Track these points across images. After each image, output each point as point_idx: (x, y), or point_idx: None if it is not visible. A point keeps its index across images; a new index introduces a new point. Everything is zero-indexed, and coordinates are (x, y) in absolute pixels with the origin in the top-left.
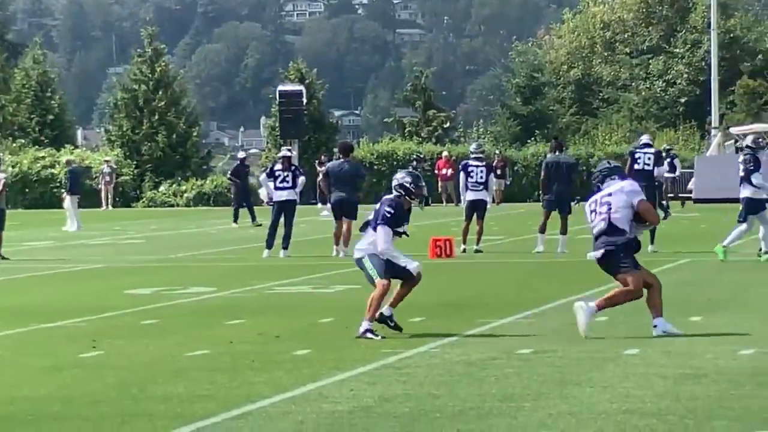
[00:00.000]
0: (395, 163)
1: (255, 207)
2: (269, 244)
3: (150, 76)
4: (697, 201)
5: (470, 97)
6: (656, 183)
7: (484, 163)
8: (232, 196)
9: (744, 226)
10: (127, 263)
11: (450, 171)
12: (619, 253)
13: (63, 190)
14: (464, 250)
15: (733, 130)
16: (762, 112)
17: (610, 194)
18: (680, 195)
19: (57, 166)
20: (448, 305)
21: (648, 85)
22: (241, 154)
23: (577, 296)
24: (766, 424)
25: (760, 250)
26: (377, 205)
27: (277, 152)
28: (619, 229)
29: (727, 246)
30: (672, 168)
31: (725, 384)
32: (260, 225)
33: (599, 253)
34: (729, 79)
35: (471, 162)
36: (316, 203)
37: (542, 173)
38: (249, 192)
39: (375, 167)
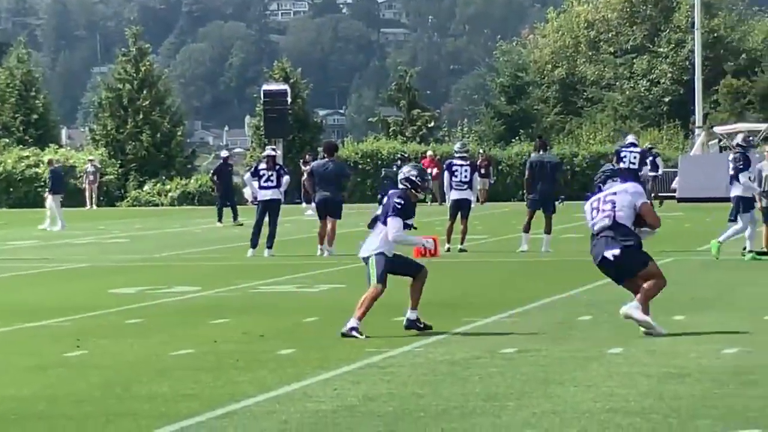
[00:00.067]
0: (380, 162)
1: (240, 206)
2: (253, 244)
3: (134, 75)
4: (681, 200)
5: (455, 96)
6: (642, 182)
7: (468, 163)
8: (217, 195)
9: (739, 225)
10: (112, 262)
11: (434, 170)
12: (639, 248)
13: (46, 190)
14: (448, 250)
15: (717, 129)
16: (745, 112)
17: (614, 193)
18: (659, 194)
19: (41, 165)
20: (432, 304)
21: (632, 85)
22: (224, 153)
23: (561, 295)
24: (749, 423)
25: (744, 248)
26: (384, 200)
27: (261, 151)
28: (623, 226)
29: (722, 243)
30: (654, 167)
31: (709, 383)
32: (242, 224)
33: (617, 250)
34: (713, 79)
35: (455, 161)
36: (300, 202)
37: (526, 172)
38: (233, 191)
39: (359, 167)
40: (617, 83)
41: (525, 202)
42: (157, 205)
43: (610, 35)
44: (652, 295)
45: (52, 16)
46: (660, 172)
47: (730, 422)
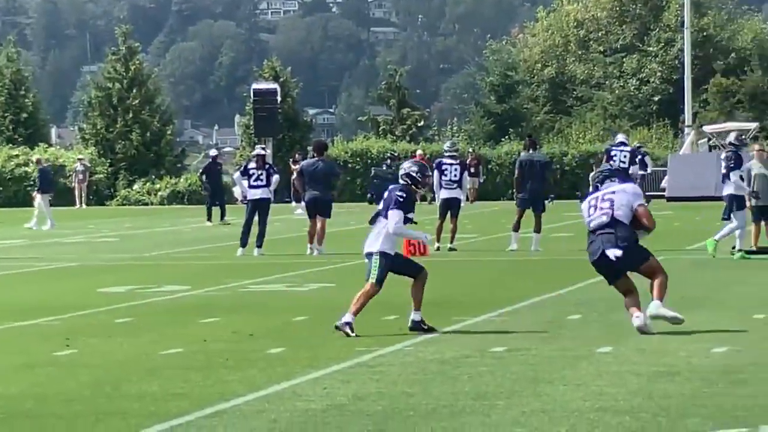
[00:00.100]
0: (369, 161)
1: (229, 205)
2: (243, 243)
3: (124, 74)
4: (670, 199)
5: (444, 95)
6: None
7: (458, 162)
8: (206, 194)
9: (735, 223)
10: (101, 261)
11: None
12: (638, 245)
13: (35, 189)
14: (438, 249)
15: (706, 128)
16: (735, 111)
17: (613, 192)
18: (647, 193)
19: (31, 164)
20: (423, 303)
21: (621, 84)
22: (212, 152)
23: (551, 294)
24: (738, 421)
25: (734, 247)
26: (385, 195)
27: (251, 150)
28: (622, 224)
29: (718, 241)
30: (643, 166)
31: (698, 382)
32: (229, 224)
33: (619, 252)
34: (702, 78)
35: (445, 160)
36: (290, 201)
37: (516, 171)
38: (222, 190)
39: (349, 165)
40: (607, 82)
41: (514, 201)
42: (146, 204)
43: (599, 34)
44: (665, 289)
45: (42, 15)
46: (649, 170)
47: (719, 421)
